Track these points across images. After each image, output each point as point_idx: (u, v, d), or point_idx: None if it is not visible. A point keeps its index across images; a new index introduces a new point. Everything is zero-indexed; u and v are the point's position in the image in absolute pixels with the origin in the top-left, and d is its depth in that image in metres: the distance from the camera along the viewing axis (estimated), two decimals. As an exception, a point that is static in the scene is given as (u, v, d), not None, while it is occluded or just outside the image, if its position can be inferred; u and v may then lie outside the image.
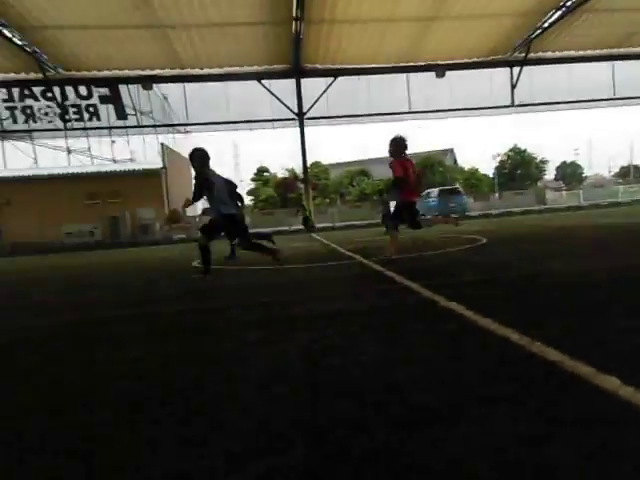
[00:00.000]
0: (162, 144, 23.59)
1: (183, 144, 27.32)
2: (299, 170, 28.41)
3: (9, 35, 16.04)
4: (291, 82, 19.89)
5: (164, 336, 2.61)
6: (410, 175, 5.36)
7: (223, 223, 5.08)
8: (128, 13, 15.02)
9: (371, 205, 25.08)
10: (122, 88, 20.42)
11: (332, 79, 19.79)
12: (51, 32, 16.16)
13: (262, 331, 2.47)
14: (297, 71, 19.47)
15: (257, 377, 1.73)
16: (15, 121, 19.62)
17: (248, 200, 46.82)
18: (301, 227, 19.52)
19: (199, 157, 5.01)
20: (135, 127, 21.75)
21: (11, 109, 19.44)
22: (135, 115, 21.34)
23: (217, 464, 1.11)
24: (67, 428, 1.42)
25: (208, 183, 4.92)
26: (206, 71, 19.61)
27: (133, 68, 19.14)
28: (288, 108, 19.98)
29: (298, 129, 20.24)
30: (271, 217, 25.53)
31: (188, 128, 23.18)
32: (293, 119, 20.21)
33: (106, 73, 19.35)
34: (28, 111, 19.53)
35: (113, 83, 19.93)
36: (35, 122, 19.82)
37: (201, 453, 1.18)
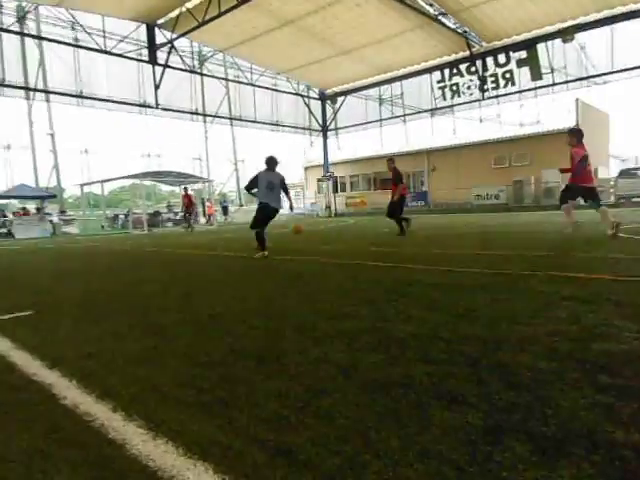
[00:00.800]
0: (577, 99, 21.73)
1: (602, 97, 24.14)
2: None
3: (445, 22, 18.77)
4: None
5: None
6: None
7: None
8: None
9: None
10: (539, 47, 20.04)
11: None
12: (479, 9, 17.72)
13: None
14: None
15: None
16: (444, 98, 23.04)
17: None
18: None
19: None
20: (544, 87, 21.05)
21: (442, 89, 22.92)
22: (550, 73, 20.63)
23: None
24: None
25: None
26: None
27: (554, 22, 18.40)
28: None
29: None
30: None
31: (610, 78, 20.30)
32: None
33: (525, 35, 19.53)
34: (454, 88, 22.47)
35: (531, 43, 19.85)
36: (459, 96, 22.57)
37: None
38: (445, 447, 1.22)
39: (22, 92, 19.95)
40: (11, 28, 18.17)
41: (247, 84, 25.13)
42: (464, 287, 3.50)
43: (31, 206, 21.16)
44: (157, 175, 23.26)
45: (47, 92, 20.16)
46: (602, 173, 23.41)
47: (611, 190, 19.98)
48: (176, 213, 24.64)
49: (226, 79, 25.09)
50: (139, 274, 5.56)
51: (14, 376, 1.93)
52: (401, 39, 20.38)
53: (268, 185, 6.35)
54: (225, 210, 25.21)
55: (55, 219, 20.09)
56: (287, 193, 6.70)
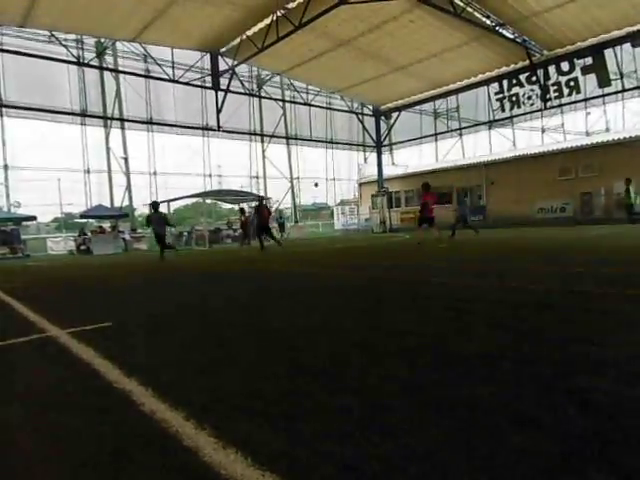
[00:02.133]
0: (654, 105, 20.23)
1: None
2: None
3: (503, 32, 18.32)
4: None
5: None
6: None
7: None
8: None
9: None
10: (607, 53, 19.00)
11: None
12: (541, 17, 17.17)
13: None
14: None
15: None
16: (503, 110, 22.37)
17: None
18: None
19: None
20: (611, 94, 19.86)
21: (500, 100, 22.28)
22: (620, 79, 19.45)
23: None
24: None
25: None
26: None
27: (622, 26, 17.43)
28: None
29: None
30: None
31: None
32: None
33: (591, 41, 18.63)
34: (514, 98, 21.77)
35: (598, 49, 18.86)
36: (519, 107, 21.82)
37: None
38: (519, 473, 1.17)
39: (101, 121, 21.78)
40: (91, 63, 19.96)
41: (302, 104, 25.84)
42: (531, 304, 3.34)
43: (106, 225, 22.84)
44: (218, 194, 24.30)
45: (122, 120, 21.85)
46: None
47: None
48: (235, 230, 25.54)
49: (283, 100, 25.93)
50: (205, 288, 5.82)
51: (98, 382, 2.09)
52: (456, 52, 20.14)
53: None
54: (282, 227, 25.77)
55: (127, 236, 21.53)
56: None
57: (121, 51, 21.04)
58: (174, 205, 27.68)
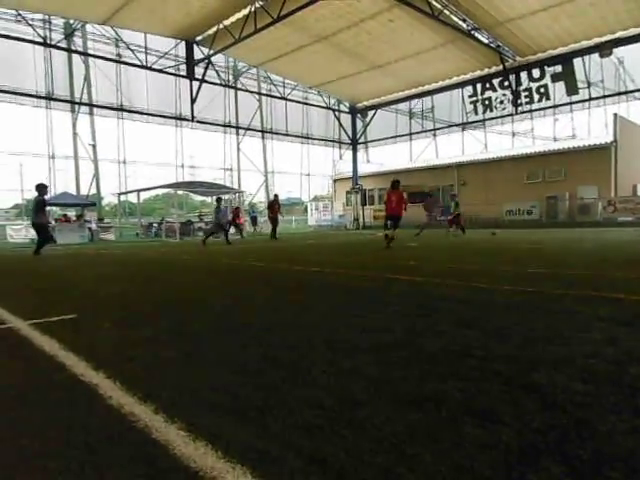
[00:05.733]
0: (615, 114, 21.15)
1: (642, 112, 23.57)
2: None
3: (478, 37, 18.70)
4: None
5: None
6: None
7: None
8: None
9: None
10: (575, 62, 19.70)
11: None
12: (514, 23, 17.60)
13: None
14: None
15: None
16: (476, 112, 22.88)
17: None
18: None
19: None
20: (578, 102, 20.65)
21: (474, 103, 22.77)
22: (587, 88, 20.21)
23: None
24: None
25: None
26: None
27: (591, 37, 18.09)
28: None
29: None
30: None
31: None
32: None
33: (560, 50, 19.26)
34: (487, 102, 22.30)
35: (567, 58, 19.53)
36: (492, 111, 22.36)
37: None
38: (479, 464, 1.23)
39: (68, 105, 20.99)
40: (59, 45, 19.20)
41: (279, 98, 25.65)
42: (495, 304, 3.46)
43: (72, 213, 22.09)
44: (190, 185, 23.90)
45: (91, 105, 21.13)
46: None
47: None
48: (207, 223, 25.19)
49: (259, 93, 25.68)
50: (175, 280, 5.73)
51: (64, 375, 2.04)
52: (433, 54, 20.43)
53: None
54: (254, 220, 25.55)
55: (93, 226, 20.90)
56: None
57: (91, 34, 20.32)
58: (144, 195, 27.02)
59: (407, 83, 24.06)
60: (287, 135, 27.13)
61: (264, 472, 1.23)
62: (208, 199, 30.12)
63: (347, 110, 28.86)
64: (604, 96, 20.59)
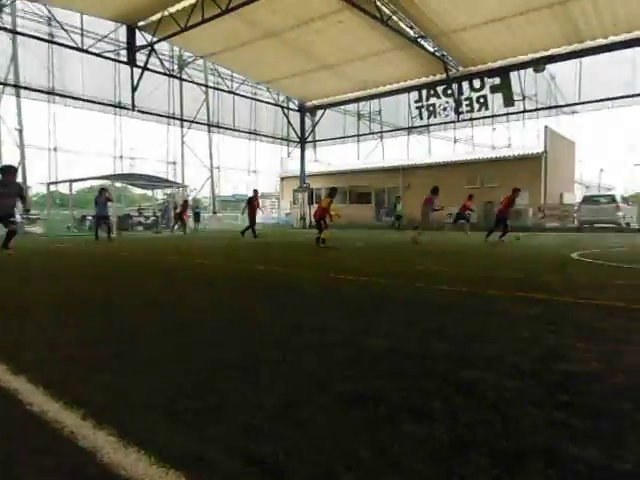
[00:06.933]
0: (545, 127, 22.73)
1: (569, 126, 25.52)
2: None
3: (425, 45, 19.37)
4: None
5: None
6: None
7: None
8: (531, -4, 15.26)
9: None
10: (512, 75, 20.92)
11: None
12: (457, 35, 18.41)
13: None
14: None
15: None
16: (421, 117, 23.68)
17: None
18: None
19: None
20: (514, 113, 21.99)
21: (419, 108, 23.56)
22: (522, 101, 21.56)
23: None
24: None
25: None
26: (610, 39, 17.48)
27: (526, 53, 19.28)
28: None
29: None
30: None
31: (578, 108, 21.43)
32: None
33: (499, 63, 20.38)
34: (431, 108, 23.14)
35: (505, 71, 20.69)
36: (435, 117, 23.25)
37: None
38: (413, 460, 1.27)
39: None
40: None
41: (227, 92, 25.10)
42: (435, 304, 3.60)
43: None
44: (129, 177, 22.82)
45: (17, 87, 19.57)
46: (567, 199, 24.47)
47: (575, 215, 20.85)
48: (147, 217, 24.17)
49: (206, 85, 24.99)
50: (107, 277, 5.44)
51: (-22, 380, 1.87)
52: (382, 58, 20.88)
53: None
54: (197, 216, 24.75)
55: (18, 218, 19.34)
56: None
57: (21, 10, 18.80)
58: (77, 186, 25.43)
59: (356, 85, 24.43)
60: (234, 130, 26.60)
61: (199, 476, 1.19)
62: (149, 192, 28.95)
63: (296, 108, 28.82)
64: (537, 109, 22.04)
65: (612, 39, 17.42)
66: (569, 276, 5.26)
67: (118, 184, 24.47)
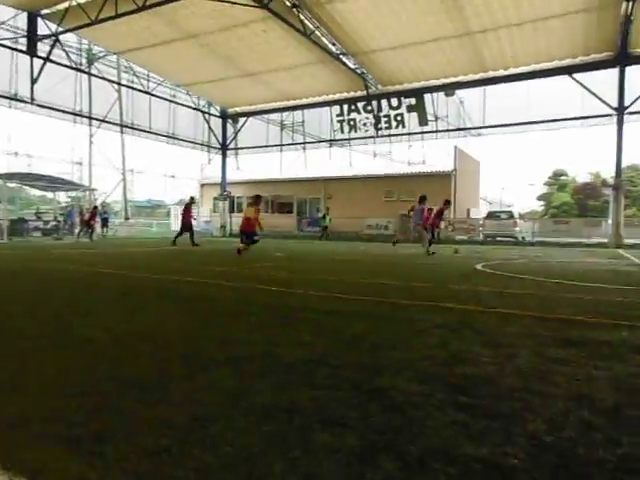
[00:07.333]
0: (455, 147, 24.59)
1: (475, 146, 27.91)
2: (606, 174, 24.42)
3: (346, 61, 20.05)
4: (607, 74, 17.49)
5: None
6: None
7: None
8: (442, 26, 16.47)
9: None
10: (426, 97, 22.37)
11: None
12: (377, 55, 19.31)
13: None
14: (622, 59, 16.94)
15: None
16: (342, 131, 24.39)
17: (538, 206, 43.32)
18: (604, 240, 17.72)
19: None
20: (428, 132, 23.57)
21: (341, 122, 24.26)
22: (435, 121, 23.15)
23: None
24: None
25: None
26: (510, 71, 19.42)
27: (439, 77, 20.74)
28: (605, 103, 17.59)
29: (614, 126, 17.57)
30: (565, 226, 22.98)
31: (483, 131, 23.51)
32: (609, 115, 17.69)
33: (414, 85, 21.69)
34: (352, 123, 23.93)
35: (420, 93, 22.07)
36: (356, 131, 24.08)
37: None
38: (325, 469, 1.28)
39: None
40: None
41: (142, 92, 23.84)
42: (351, 314, 3.70)
43: None
44: (25, 178, 20.70)
45: None
46: (473, 214, 26.63)
47: (480, 229, 22.67)
48: (46, 222, 22.05)
49: (118, 83, 23.58)
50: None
51: None
52: (305, 70, 21.22)
53: None
54: (105, 222, 22.84)
55: None
56: None
57: None
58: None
59: (279, 95, 24.53)
60: (150, 132, 25.25)
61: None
62: (50, 194, 26.53)
63: (218, 114, 28.22)
64: (448, 130, 23.77)
65: (511, 71, 19.39)
66: (473, 286, 5.71)
67: (11, 184, 22.09)
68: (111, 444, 1.41)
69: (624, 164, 19.20)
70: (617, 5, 14.50)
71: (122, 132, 25.29)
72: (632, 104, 17.11)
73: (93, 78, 22.53)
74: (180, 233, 14.69)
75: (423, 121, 22.74)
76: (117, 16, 15.81)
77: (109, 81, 22.93)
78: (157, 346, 2.59)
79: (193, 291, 5.00)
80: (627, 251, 14.43)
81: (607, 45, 16.79)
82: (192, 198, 16.02)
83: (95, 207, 19.58)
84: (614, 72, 17.29)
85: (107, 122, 23.74)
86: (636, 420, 1.65)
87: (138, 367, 2.19)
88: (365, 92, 22.28)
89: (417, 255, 11.42)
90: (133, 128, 24.55)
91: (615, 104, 17.36)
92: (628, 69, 17.12)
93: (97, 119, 23.62)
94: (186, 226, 14.60)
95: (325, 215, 23.14)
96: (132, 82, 23.69)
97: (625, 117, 17.39)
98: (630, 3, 14.06)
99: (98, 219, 20.78)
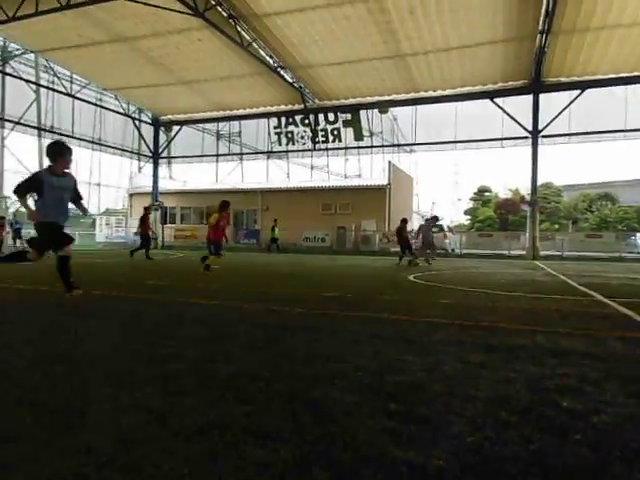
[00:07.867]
0: (389, 162, 25.55)
1: (407, 162, 29.22)
2: (524, 190, 26.61)
3: (284, 75, 20.25)
4: (524, 99, 19.18)
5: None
6: None
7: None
8: (376, 47, 17.19)
9: (617, 235, 22.02)
10: (362, 113, 23.11)
11: (578, 92, 18.20)
12: (314, 70, 19.69)
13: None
14: (536, 86, 18.65)
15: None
16: (280, 144, 24.47)
17: (465, 220, 46.07)
18: (522, 252, 19.13)
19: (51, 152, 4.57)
20: (363, 147, 24.37)
21: (278, 134, 24.34)
22: (370, 137, 23.96)
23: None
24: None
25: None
26: (439, 93, 20.59)
27: (373, 95, 21.53)
28: (521, 126, 19.21)
29: (530, 148, 19.22)
30: (489, 239, 24.61)
31: (415, 147, 24.69)
32: (525, 137, 19.33)
33: (351, 101, 22.34)
34: (290, 135, 24.10)
35: (356, 108, 22.75)
36: (294, 144, 24.27)
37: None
38: (257, 485, 1.26)
39: None
40: None
41: (64, 94, 22.40)
42: (288, 326, 3.69)
43: None
44: None
45: None
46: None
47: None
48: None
49: (37, 83, 22.02)
50: None
51: None
52: (242, 81, 21.12)
53: (58, 194, 4.62)
54: (17, 233, 20.75)
55: None
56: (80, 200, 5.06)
57: None
58: None
59: (215, 105, 24.14)
60: (73, 138, 23.62)
61: None
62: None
63: (149, 121, 27.18)
64: (382, 145, 24.73)
65: (440, 92, 20.61)
66: (406, 296, 5.92)
67: None
68: (21, 475, 1.28)
69: (539, 182, 21.00)
70: (533, 37, 15.95)
71: (40, 136, 23.52)
72: (544, 128, 18.84)
73: (7, 77, 20.87)
74: (147, 246, 14.01)
75: (359, 136, 23.43)
76: (38, 14, 14.84)
77: (26, 81, 21.34)
78: (76, 367, 2.42)
79: (122, 307, 4.73)
80: (542, 262, 15.76)
81: (523, 73, 18.41)
82: (147, 208, 15.24)
83: (2, 217, 17.94)
84: (530, 98, 18.98)
85: (22, 124, 22.01)
86: (546, 418, 1.79)
87: (53, 391, 2.03)
88: (303, 106, 22.59)
89: (357, 266, 11.64)
90: (52, 132, 22.90)
91: (530, 127, 19.02)
92: (542, 96, 18.86)
93: (10, 121, 21.84)
94: (145, 238, 14.04)
95: (274, 227, 22.83)
96: (53, 83, 22.21)
97: (540, 140, 19.09)
98: (544, 36, 15.54)
99: (9, 229, 19.03)
